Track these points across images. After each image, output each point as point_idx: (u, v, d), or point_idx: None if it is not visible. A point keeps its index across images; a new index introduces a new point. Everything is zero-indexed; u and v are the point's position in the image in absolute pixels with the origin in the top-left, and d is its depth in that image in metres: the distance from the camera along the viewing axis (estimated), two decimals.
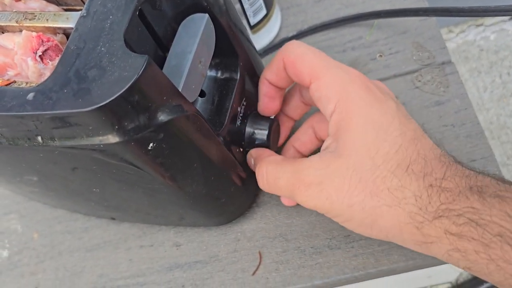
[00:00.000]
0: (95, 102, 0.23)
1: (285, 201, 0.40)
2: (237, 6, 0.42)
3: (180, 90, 0.26)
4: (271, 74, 0.35)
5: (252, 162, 0.36)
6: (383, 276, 0.38)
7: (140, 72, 0.23)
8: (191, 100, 0.28)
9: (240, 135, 0.35)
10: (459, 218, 0.26)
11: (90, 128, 0.24)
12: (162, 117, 0.25)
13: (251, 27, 0.44)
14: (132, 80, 0.23)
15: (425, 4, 0.45)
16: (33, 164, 0.32)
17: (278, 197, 0.42)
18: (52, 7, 0.34)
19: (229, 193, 0.35)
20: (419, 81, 0.43)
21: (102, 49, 0.24)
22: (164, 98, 0.25)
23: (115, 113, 0.23)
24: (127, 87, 0.23)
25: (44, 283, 0.45)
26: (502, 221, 0.25)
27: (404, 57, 0.44)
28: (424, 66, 0.43)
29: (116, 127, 0.24)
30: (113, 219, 0.44)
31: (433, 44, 0.44)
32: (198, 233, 0.42)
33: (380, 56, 0.45)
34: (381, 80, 0.44)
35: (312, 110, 0.39)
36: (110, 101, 0.23)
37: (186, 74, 0.27)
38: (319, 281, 0.38)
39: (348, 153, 0.29)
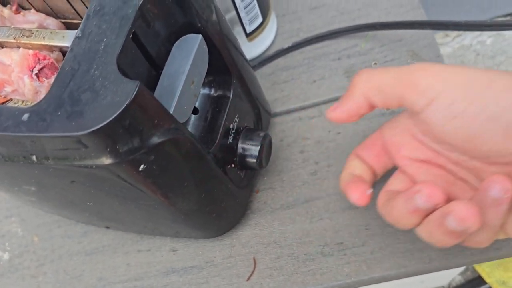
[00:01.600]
0: (87, 126, 0.23)
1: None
2: (233, 13, 0.43)
3: (171, 112, 0.27)
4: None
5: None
6: (375, 283, 0.39)
7: (132, 98, 0.23)
8: (182, 121, 0.28)
9: (233, 151, 0.36)
10: None
11: (83, 150, 0.25)
12: (153, 140, 0.26)
13: (247, 35, 0.45)
14: (124, 106, 0.23)
15: (421, 14, 0.45)
16: (30, 177, 0.32)
17: (273, 203, 0.43)
18: (51, 20, 0.35)
19: (221, 208, 0.36)
20: None
21: (96, 72, 0.25)
22: (155, 121, 0.25)
23: (107, 137, 0.24)
24: (118, 112, 0.23)
25: (44, 286, 0.46)
26: None
27: (400, 65, 0.45)
28: None
29: (108, 149, 0.25)
30: (108, 228, 0.45)
31: (428, 52, 0.44)
32: (194, 239, 0.43)
33: (375, 64, 0.45)
34: None
35: None
36: (102, 126, 0.23)
37: (178, 95, 0.27)
38: (312, 287, 0.39)
39: None
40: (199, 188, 0.32)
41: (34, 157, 0.27)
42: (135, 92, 0.23)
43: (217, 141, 0.33)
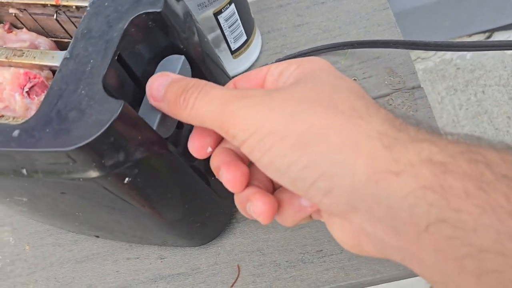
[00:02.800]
0: (73, 143, 0.25)
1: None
2: (218, 32, 0.45)
3: (154, 128, 0.29)
4: None
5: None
6: None
7: (116, 116, 0.25)
8: (165, 136, 0.30)
9: None
10: (452, 146, 0.20)
11: (71, 164, 0.27)
12: (137, 154, 0.27)
13: (232, 52, 0.47)
14: (108, 124, 0.25)
15: (397, 33, 0.48)
16: (22, 189, 0.34)
17: None
18: (42, 39, 0.37)
19: (205, 218, 0.38)
20: (390, 104, 0.45)
21: (82, 92, 0.27)
22: (139, 137, 0.27)
23: (93, 153, 0.26)
24: (103, 129, 0.25)
25: None
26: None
27: (377, 82, 0.47)
28: (395, 90, 0.46)
29: (94, 164, 0.26)
30: (97, 236, 0.46)
31: (404, 69, 0.46)
32: (181, 247, 0.45)
33: (355, 80, 0.47)
34: None
35: None
36: (88, 142, 0.25)
37: (161, 113, 0.29)
38: None
39: (304, 83, 0.25)
40: (183, 198, 0.34)
41: (24, 171, 0.29)
42: (119, 111, 0.25)
43: None
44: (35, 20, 0.37)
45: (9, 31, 0.37)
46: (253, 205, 0.27)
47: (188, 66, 0.32)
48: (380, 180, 0.20)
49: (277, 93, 0.25)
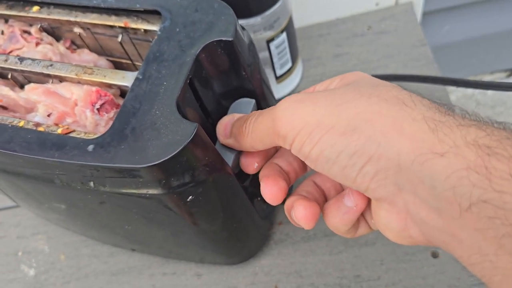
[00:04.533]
0: (150, 160, 0.26)
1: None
2: (264, 54, 0.46)
3: (230, 166, 0.31)
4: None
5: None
6: None
7: (191, 138, 0.26)
8: (235, 172, 0.32)
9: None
10: (497, 131, 0.21)
11: (141, 180, 0.28)
12: (202, 175, 0.29)
13: (277, 78, 0.48)
14: (183, 145, 0.26)
15: (435, 69, 0.49)
16: (66, 195, 0.35)
17: (294, 235, 0.45)
18: (103, 61, 0.38)
19: (246, 237, 0.39)
20: None
21: (157, 112, 0.28)
22: (206, 159, 0.28)
23: (165, 171, 0.27)
24: (178, 150, 0.26)
25: None
26: None
27: None
28: None
29: (164, 181, 0.28)
30: (133, 250, 0.47)
31: None
32: (218, 265, 0.46)
33: None
34: None
35: None
36: (163, 161, 0.26)
37: (235, 152, 0.32)
38: None
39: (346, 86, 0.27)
40: (233, 217, 0.35)
41: (91, 183, 0.30)
42: (193, 133, 0.27)
43: (250, 177, 0.36)
44: (96, 39, 0.38)
45: (72, 51, 0.39)
46: (295, 210, 0.29)
47: (256, 109, 0.34)
48: (425, 161, 0.21)
49: (321, 92, 0.27)
